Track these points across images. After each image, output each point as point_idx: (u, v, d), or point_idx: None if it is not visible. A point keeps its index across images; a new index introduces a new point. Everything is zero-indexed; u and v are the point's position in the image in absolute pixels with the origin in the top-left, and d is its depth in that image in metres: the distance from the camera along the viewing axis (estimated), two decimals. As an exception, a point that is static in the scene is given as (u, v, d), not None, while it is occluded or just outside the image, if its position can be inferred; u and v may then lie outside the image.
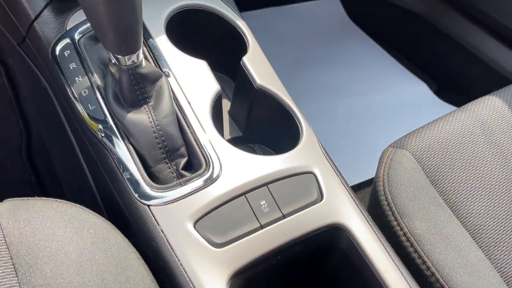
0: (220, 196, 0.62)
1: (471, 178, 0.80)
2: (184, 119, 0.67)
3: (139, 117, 0.65)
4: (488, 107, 0.90)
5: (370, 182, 1.35)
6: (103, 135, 0.66)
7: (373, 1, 1.78)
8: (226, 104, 0.86)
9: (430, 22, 1.65)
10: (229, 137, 0.83)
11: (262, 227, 0.61)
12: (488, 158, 0.83)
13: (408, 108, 1.62)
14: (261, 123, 0.80)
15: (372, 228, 0.64)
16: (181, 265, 0.58)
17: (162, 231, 0.59)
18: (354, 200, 0.66)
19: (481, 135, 0.86)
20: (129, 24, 0.58)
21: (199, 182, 0.62)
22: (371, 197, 0.79)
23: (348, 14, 1.93)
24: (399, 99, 1.66)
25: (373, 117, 1.58)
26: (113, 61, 0.63)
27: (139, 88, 0.65)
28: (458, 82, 1.64)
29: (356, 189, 1.25)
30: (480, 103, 0.92)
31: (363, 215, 0.65)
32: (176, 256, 0.58)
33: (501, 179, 0.81)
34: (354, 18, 1.91)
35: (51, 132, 0.99)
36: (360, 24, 1.90)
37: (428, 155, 0.81)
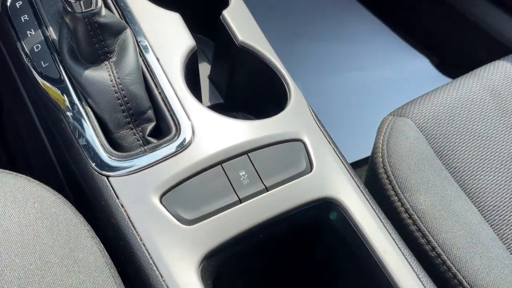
0: (192, 166, 0.53)
1: (480, 149, 0.72)
2: (152, 78, 0.58)
3: (99, 74, 0.56)
4: (499, 73, 0.82)
5: (368, 160, 1.25)
6: (56, 96, 0.57)
7: (371, -28, 1.68)
8: (205, 68, 0.78)
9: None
10: (208, 104, 0.74)
11: (240, 201, 0.53)
12: (499, 128, 0.74)
13: (408, 84, 1.54)
14: (244, 88, 0.71)
15: (369, 203, 0.55)
16: (144, 245, 0.49)
17: (122, 205, 0.51)
18: (348, 172, 0.58)
19: (491, 102, 0.77)
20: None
21: (167, 149, 0.54)
22: (369, 169, 0.70)
23: (345, -14, 1.83)
24: (399, 74, 1.58)
25: (371, 92, 1.50)
26: (66, 8, 0.54)
27: (98, 40, 0.56)
28: (460, 56, 1.56)
29: (354, 167, 1.17)
30: (489, 68, 0.83)
31: (359, 188, 0.56)
32: (138, 235, 0.49)
33: (514, 150, 0.72)
34: (351, -11, 1.81)
35: (14, 100, 0.90)
36: (358, -4, 1.80)
37: (433, 123, 0.73)
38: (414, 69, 1.58)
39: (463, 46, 1.54)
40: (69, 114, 0.56)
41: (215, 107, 0.74)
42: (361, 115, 1.42)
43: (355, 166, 1.20)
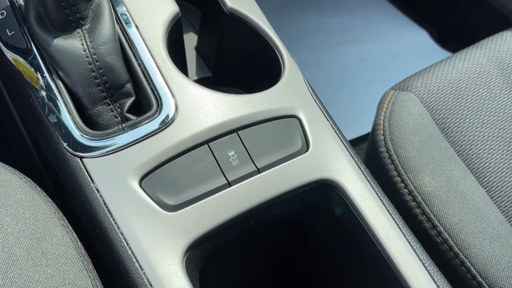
0: (175, 145, 0.48)
1: (488, 126, 0.67)
2: (131, 48, 0.52)
3: (70, 43, 0.50)
4: (507, 44, 0.76)
5: (366, 138, 1.20)
6: (23, 68, 0.51)
7: None
8: (192, 39, 0.72)
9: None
10: (195, 78, 0.68)
11: (229, 184, 0.48)
12: (508, 102, 0.70)
13: (407, 58, 1.49)
14: (234, 59, 0.66)
15: (371, 185, 0.51)
16: (122, 234, 0.44)
17: (97, 190, 0.45)
18: (348, 151, 0.53)
19: (499, 75, 0.72)
20: None
21: (147, 127, 0.48)
22: (369, 148, 0.65)
23: (341, -45, 1.75)
24: (397, 48, 1.53)
25: (369, 66, 1.44)
26: (31, -32, 0.47)
27: (68, 5, 0.49)
28: (461, 29, 1.50)
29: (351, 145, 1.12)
30: (497, 39, 0.78)
31: (360, 169, 0.51)
32: (115, 223, 0.44)
33: (523, 127, 0.67)
34: (348, -41, 1.73)
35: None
36: (355, -34, 1.72)
37: (437, 98, 0.67)
38: (413, 43, 1.53)
39: (464, 18, 1.49)
40: (37, 88, 0.50)
41: (202, 81, 0.69)
42: (358, 90, 1.37)
43: (352, 144, 1.15)
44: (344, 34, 1.51)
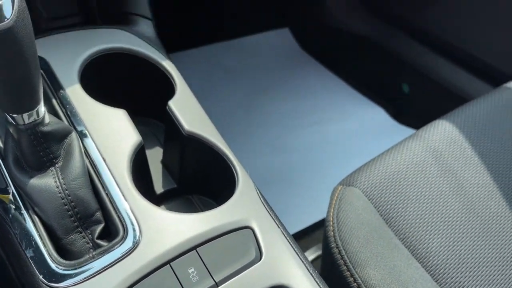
0: (140, 269, 0.53)
1: (427, 212, 0.75)
2: (99, 180, 0.59)
3: (45, 182, 0.56)
4: (439, 133, 0.86)
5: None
6: (2, 207, 0.57)
7: (323, 29, 1.77)
8: (158, 153, 0.79)
9: (380, 45, 1.65)
10: (162, 190, 0.75)
11: (190, 301, 0.53)
12: (443, 188, 0.78)
13: (367, 135, 1.59)
14: (195, 172, 0.73)
15: (319, 286, 0.56)
16: None
17: (72, 318, 0.50)
18: (297, 255, 0.59)
19: (434, 163, 0.81)
20: (21, 77, 0.51)
21: (114, 253, 0.54)
22: (323, 244, 0.72)
23: (299, 43, 1.91)
24: (357, 126, 1.64)
25: (330, 147, 1.54)
26: (9, 120, 0.55)
27: (42, 148, 0.57)
28: (415, 105, 1.62)
29: (314, 229, 1.17)
30: (430, 129, 0.87)
31: (309, 271, 0.57)
32: None
33: (459, 210, 0.75)
34: (306, 47, 1.90)
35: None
36: (313, 53, 1.88)
37: (380, 190, 0.75)
38: (372, 120, 1.63)
39: (417, 96, 1.61)
40: (14, 224, 0.56)
41: (168, 192, 0.76)
42: (320, 171, 1.44)
43: (315, 228, 1.18)
44: (307, 117, 1.62)
